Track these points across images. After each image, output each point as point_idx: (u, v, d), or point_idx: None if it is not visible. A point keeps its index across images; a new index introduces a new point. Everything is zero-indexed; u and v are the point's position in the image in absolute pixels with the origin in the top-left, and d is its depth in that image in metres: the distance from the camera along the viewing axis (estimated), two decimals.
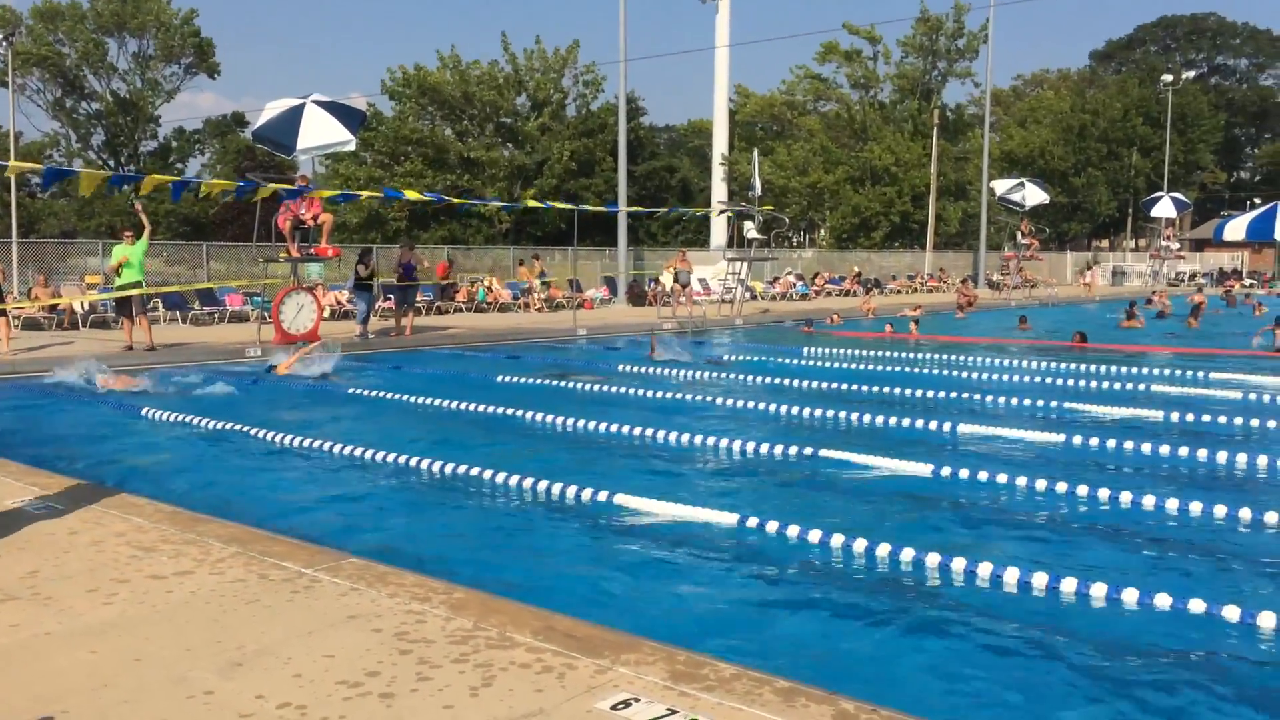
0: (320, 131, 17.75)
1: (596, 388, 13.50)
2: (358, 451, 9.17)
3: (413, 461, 8.75)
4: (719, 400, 12.37)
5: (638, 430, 10.28)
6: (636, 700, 3.58)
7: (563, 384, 13.90)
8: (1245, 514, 7.05)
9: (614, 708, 3.53)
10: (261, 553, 5.36)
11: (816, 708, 3.55)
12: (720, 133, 47.96)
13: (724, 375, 15.07)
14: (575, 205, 29.36)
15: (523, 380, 14.24)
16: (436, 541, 6.73)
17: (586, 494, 7.58)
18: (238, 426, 10.31)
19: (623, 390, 13.25)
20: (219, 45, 66.95)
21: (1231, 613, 5.14)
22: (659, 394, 12.92)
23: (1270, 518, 6.96)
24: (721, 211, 33.56)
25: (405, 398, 12.41)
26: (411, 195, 23.30)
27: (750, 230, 29.00)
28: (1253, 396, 12.82)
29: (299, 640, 4.13)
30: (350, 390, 13.42)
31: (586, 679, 3.76)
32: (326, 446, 9.38)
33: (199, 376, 14.10)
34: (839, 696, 3.66)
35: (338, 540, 6.14)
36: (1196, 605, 5.25)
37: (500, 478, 8.12)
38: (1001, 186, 39.40)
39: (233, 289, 24.47)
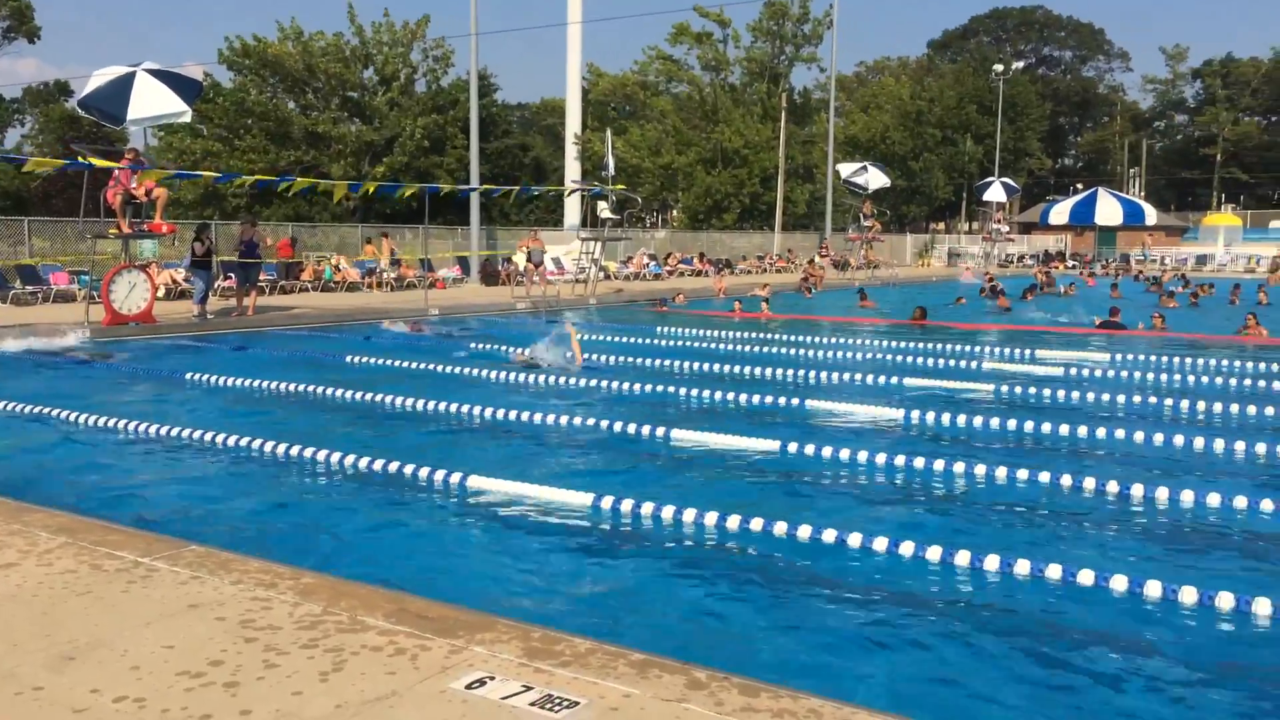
0: (152, 101, 16.88)
1: (447, 368, 13.32)
2: (197, 435, 8.82)
3: (256, 445, 8.48)
4: (572, 381, 12.39)
5: (489, 411, 10.21)
6: (491, 678, 3.58)
7: (412, 365, 13.67)
8: (1066, 480, 7.52)
9: (469, 686, 3.52)
10: (94, 542, 5.11)
11: (670, 678, 3.62)
12: (573, 112, 47.82)
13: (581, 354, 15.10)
14: (426, 184, 28.80)
15: (371, 361, 13.95)
16: (283, 527, 6.56)
17: (439, 475, 7.49)
18: (64, 412, 9.76)
19: (474, 371, 13.13)
20: (39, 7, 62.73)
21: (1054, 571, 5.48)
22: (512, 375, 12.85)
23: (1088, 483, 7.44)
24: (574, 191, 33.50)
25: (247, 380, 11.98)
26: (248, 178, 22.35)
27: (604, 210, 29.07)
28: (1073, 372, 13.62)
29: (136, 632, 3.96)
30: (189, 374, 12.86)
31: (440, 660, 3.74)
32: (165, 431, 8.99)
33: (20, 357, 13.27)
34: (692, 666, 3.74)
35: (177, 528, 5.90)
36: (1022, 566, 5.57)
37: (349, 460, 7.95)
38: (846, 170, 40.62)
39: (58, 267, 23.08)
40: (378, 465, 7.80)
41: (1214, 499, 7.02)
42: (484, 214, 34.99)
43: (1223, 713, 4.14)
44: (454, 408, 10.41)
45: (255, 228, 20.80)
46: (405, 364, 13.67)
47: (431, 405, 10.54)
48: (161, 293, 23.06)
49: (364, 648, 3.83)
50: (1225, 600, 5.08)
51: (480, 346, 15.79)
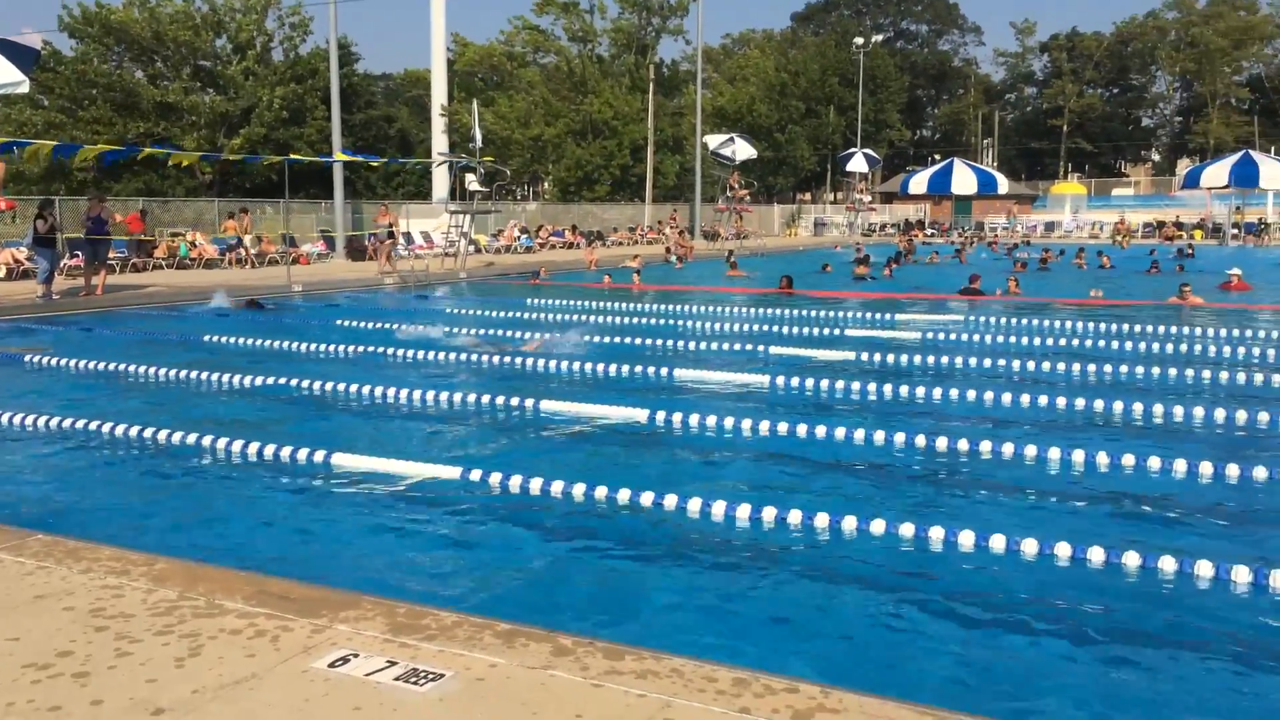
0: None
1: (311, 346, 13.02)
2: (41, 421, 8.42)
3: (105, 429, 8.15)
4: (442, 355, 12.26)
5: (355, 387, 10.04)
6: (355, 655, 3.56)
7: (275, 343, 13.30)
8: (920, 440, 7.84)
9: (332, 665, 3.49)
10: None
11: (536, 646, 3.66)
12: (439, 83, 46.96)
13: (448, 329, 14.94)
14: (286, 156, 27.89)
15: (230, 340, 13.51)
16: (137, 514, 6.33)
17: (303, 454, 7.34)
18: None
19: (340, 347, 12.86)
20: None
21: (906, 529, 5.72)
22: (379, 349, 12.64)
23: (941, 443, 7.76)
24: (441, 163, 32.96)
25: (95, 363, 11.47)
26: (93, 150, 21.20)
27: (472, 183, 28.69)
28: (930, 336, 14.14)
29: None
30: (30, 357, 12.23)
31: (303, 639, 3.69)
32: (5, 418, 8.54)
33: None
34: (558, 634, 3.79)
35: (20, 518, 5.65)
36: (877, 525, 5.80)
37: (206, 442, 7.72)
38: (714, 141, 41.05)
39: None
40: (236, 446, 7.59)
41: (1079, 455, 7.41)
42: (349, 187, 34.14)
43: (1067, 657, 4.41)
44: (317, 385, 10.19)
45: (103, 203, 19.84)
46: (264, 342, 13.30)
47: (294, 382, 10.29)
48: (1, 273, 21.85)
49: (222, 631, 3.75)
50: (1063, 549, 5.39)
51: (344, 323, 15.46)
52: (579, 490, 6.49)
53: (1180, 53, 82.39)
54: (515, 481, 6.69)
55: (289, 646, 3.63)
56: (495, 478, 6.76)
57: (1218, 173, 40.69)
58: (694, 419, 8.59)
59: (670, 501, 6.26)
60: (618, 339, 13.79)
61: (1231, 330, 13.94)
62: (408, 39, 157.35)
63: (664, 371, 11.02)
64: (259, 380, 10.47)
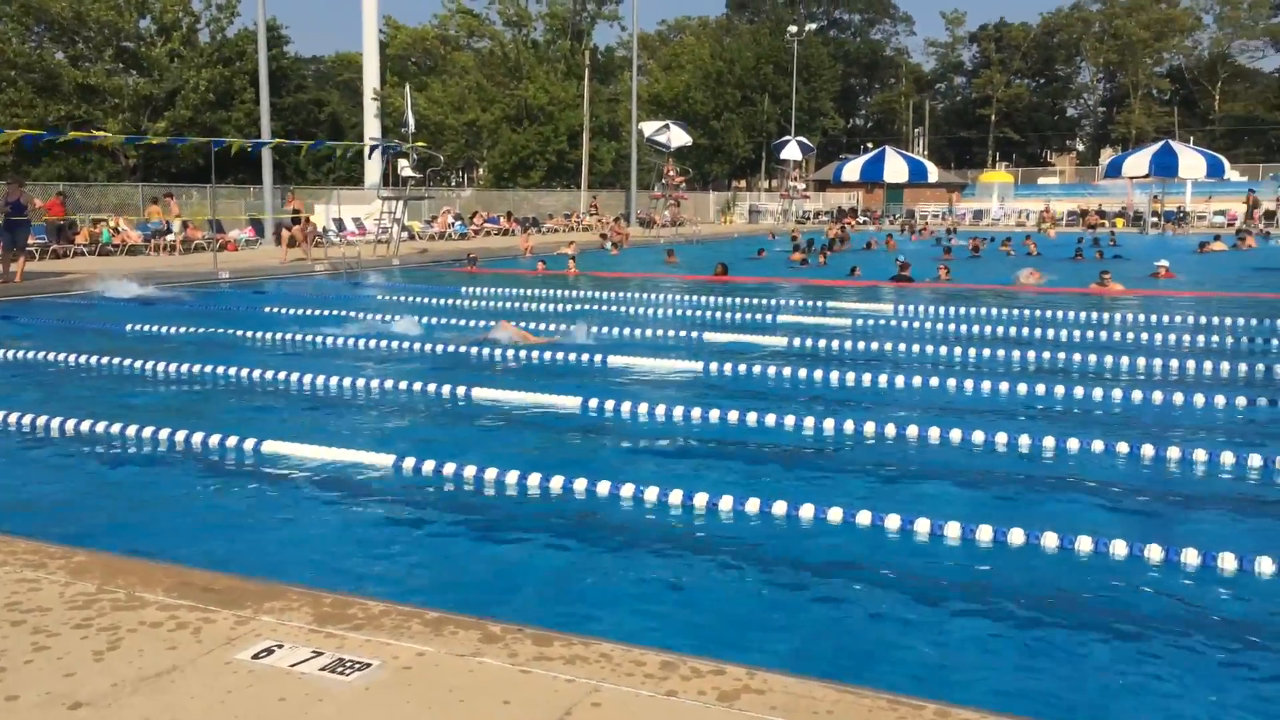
0: None
1: (242, 332, 12.79)
2: None
3: (23, 420, 7.93)
4: (373, 343, 12.12)
5: (283, 375, 9.90)
6: (280, 646, 3.53)
7: (202, 330, 13.05)
8: (849, 425, 7.95)
9: (255, 656, 3.45)
10: None
11: (464, 633, 3.66)
12: (371, 66, 46.24)
13: (383, 316, 14.79)
14: (213, 139, 27.26)
15: (154, 329, 13.22)
16: (55, 506, 6.19)
17: (231, 442, 7.23)
18: None
19: (268, 335, 12.65)
20: None
21: (835, 514, 5.81)
22: (311, 336, 12.46)
23: (869, 427, 7.89)
24: (374, 148, 32.50)
25: (13, 352, 11.15)
26: (10, 135, 20.49)
27: (405, 168, 28.36)
28: (860, 323, 14.33)
29: None
30: None
31: (226, 631, 3.65)
32: None
33: None
34: (487, 621, 3.79)
35: None
36: (806, 510, 5.88)
37: (131, 431, 7.56)
38: (649, 128, 41.05)
39: None
40: (162, 435, 7.45)
41: (1001, 437, 7.57)
42: (278, 172, 33.55)
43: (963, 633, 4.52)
44: (244, 373, 10.03)
45: (22, 188, 19.25)
46: (189, 329, 13.04)
47: (220, 370, 10.12)
48: None
49: (142, 624, 3.69)
50: (984, 532, 5.52)
51: (272, 310, 15.21)
52: (512, 478, 6.48)
53: (1104, 44, 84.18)
54: (448, 469, 6.66)
55: (211, 638, 3.59)
56: (427, 465, 6.72)
57: (1139, 162, 41.71)
58: (627, 406, 8.62)
59: (603, 488, 6.28)
60: (553, 326, 13.76)
61: (1150, 316, 14.34)
62: (339, 21, 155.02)
63: (599, 358, 11.03)
64: (183, 368, 10.27)
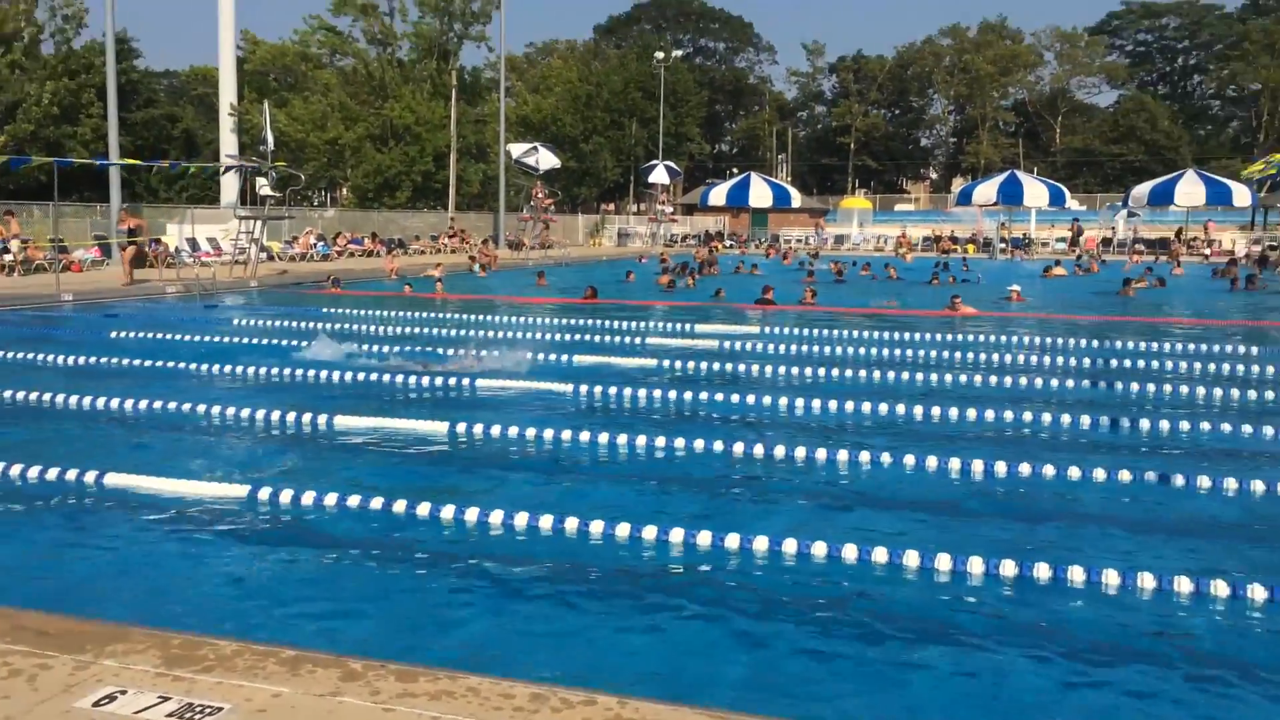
0: None
1: (83, 358, 12.13)
2: None
3: None
4: (228, 369, 11.66)
5: (129, 403, 9.41)
6: (123, 692, 3.31)
7: (39, 355, 12.33)
8: (718, 445, 8.02)
9: (97, 704, 3.23)
10: None
11: (323, 672, 3.51)
12: (227, 81, 44.77)
13: (236, 339, 14.23)
14: (57, 158, 25.91)
15: None
16: None
17: (71, 475, 6.82)
18: None
19: (114, 360, 12.03)
20: None
21: (704, 538, 5.83)
22: (160, 361, 11.90)
23: (738, 448, 7.97)
24: (229, 168, 31.43)
25: None
26: None
27: (264, 187, 27.50)
28: (728, 345, 14.51)
29: None
30: None
31: (64, 678, 3.41)
32: None
33: None
34: (347, 658, 3.64)
35: None
36: (675, 534, 5.88)
37: None
38: (517, 150, 40.89)
39: None
40: None
41: (864, 456, 7.74)
42: (128, 190, 32.10)
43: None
44: (86, 401, 9.50)
45: None
46: (27, 354, 12.31)
47: (60, 399, 9.56)
48: None
49: None
50: (849, 551, 5.62)
51: (120, 334, 14.49)
52: (376, 505, 6.29)
53: (954, 78, 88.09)
54: (307, 499, 6.43)
55: (48, 686, 3.35)
56: (285, 496, 6.47)
57: (987, 191, 43.69)
58: (497, 429, 8.50)
59: (471, 515, 6.15)
60: (419, 349, 13.50)
61: (999, 337, 14.96)
62: (194, 35, 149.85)
63: (465, 382, 10.86)
64: (19, 395, 9.67)
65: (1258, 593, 5.04)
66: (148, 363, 11.92)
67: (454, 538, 5.97)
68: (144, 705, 3.24)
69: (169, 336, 14.30)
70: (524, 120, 61.02)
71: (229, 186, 38.85)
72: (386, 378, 11.05)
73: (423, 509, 6.21)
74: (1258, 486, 6.98)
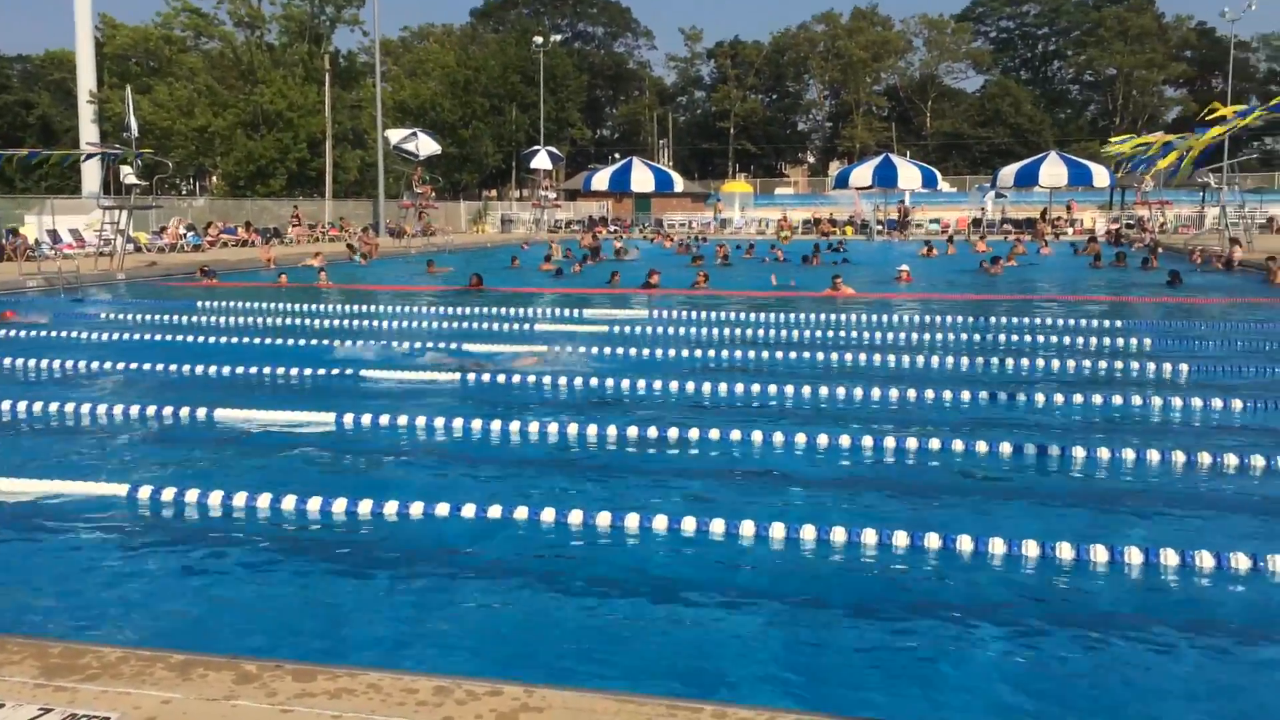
0: None
1: None
2: None
3: None
4: (98, 364, 11.14)
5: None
6: (1, 705, 3.14)
7: None
8: (611, 430, 8.02)
9: None
10: None
11: (216, 675, 3.39)
12: (85, 66, 42.73)
13: (103, 334, 13.61)
14: None
15: None
16: None
17: None
18: None
19: None
20: None
21: (603, 518, 5.83)
22: (22, 360, 11.30)
23: (632, 431, 7.99)
24: (90, 155, 30.04)
25: None
26: None
27: (128, 175, 26.35)
28: (618, 330, 14.52)
29: None
30: None
31: None
32: None
33: None
34: (241, 660, 3.52)
35: None
36: (575, 516, 5.87)
37: None
38: (396, 136, 40.08)
39: None
40: None
41: (757, 436, 7.83)
42: None
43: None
44: None
45: None
46: None
47: None
48: None
49: None
50: (747, 528, 5.69)
51: None
52: (263, 502, 6.11)
53: (828, 63, 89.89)
54: (190, 496, 6.20)
55: None
56: (167, 494, 6.23)
57: (863, 174, 44.72)
58: (384, 420, 8.33)
59: (365, 508, 6.02)
60: (302, 341, 13.15)
61: (880, 317, 15.34)
62: (48, 17, 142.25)
63: (349, 372, 10.61)
64: None
65: (1132, 555, 5.29)
66: (8, 360, 11.31)
67: (346, 531, 5.83)
68: (24, 718, 3.07)
69: (32, 334, 13.59)
70: (402, 106, 59.89)
71: (91, 176, 37.18)
72: (268, 369, 10.71)
73: (313, 504, 6.05)
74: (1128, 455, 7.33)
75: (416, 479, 7.02)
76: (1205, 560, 5.19)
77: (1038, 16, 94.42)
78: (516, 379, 10.27)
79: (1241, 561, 5.16)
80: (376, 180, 45.45)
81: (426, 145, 38.95)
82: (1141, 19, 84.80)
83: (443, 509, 5.94)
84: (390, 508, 5.99)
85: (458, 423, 8.26)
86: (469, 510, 5.92)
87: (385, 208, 44.84)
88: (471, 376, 10.41)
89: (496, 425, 8.18)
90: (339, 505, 6.04)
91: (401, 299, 19.01)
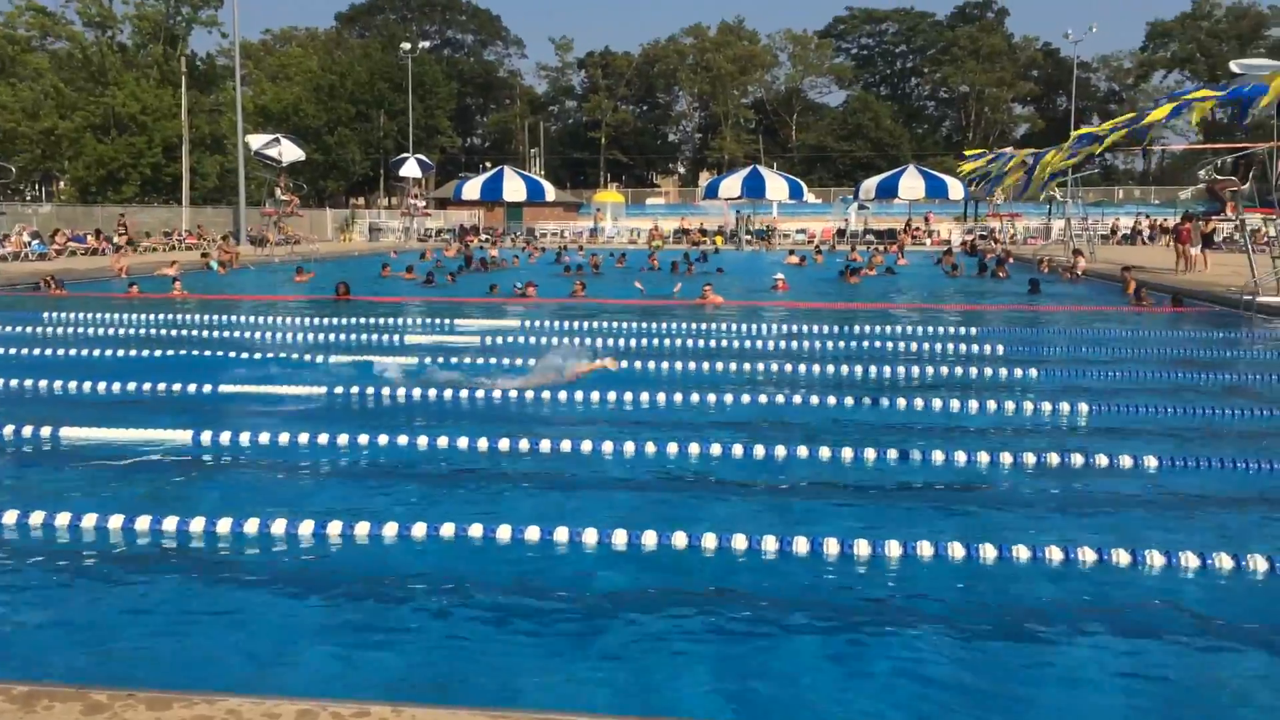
0: None
1: None
2: None
3: None
4: None
5: None
6: None
7: None
8: (483, 443, 7.94)
9: None
10: None
11: (63, 706, 3.21)
12: None
13: None
14: None
15: None
16: None
17: None
18: None
19: None
20: None
21: (475, 529, 5.76)
22: None
23: (503, 443, 7.92)
24: None
25: None
26: None
27: None
28: (488, 340, 14.38)
29: None
30: None
31: None
32: None
33: None
34: (90, 689, 3.35)
35: None
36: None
37: None
38: (257, 141, 38.86)
39: None
40: None
41: (628, 446, 7.84)
42: None
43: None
44: None
45: None
46: None
47: None
48: None
49: None
50: (589, 536, 5.71)
51: None
52: (115, 524, 5.82)
53: (697, 75, 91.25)
54: (35, 519, 5.87)
55: None
56: (8, 517, 5.88)
57: (732, 185, 45.55)
58: (245, 436, 8.05)
59: (224, 526, 5.81)
60: (158, 353, 12.61)
61: (750, 325, 15.62)
62: None
63: (208, 388, 10.22)
64: None
65: (988, 552, 5.51)
66: None
67: (211, 550, 5.61)
68: None
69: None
70: (263, 110, 58.18)
71: None
72: (118, 385, 10.22)
73: (169, 523, 5.80)
74: (969, 456, 7.63)
75: (281, 495, 6.81)
76: (1054, 554, 5.45)
77: (895, 35, 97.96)
78: (386, 391, 10.07)
79: (1088, 554, 5.44)
80: (237, 187, 44.00)
81: (290, 151, 37.87)
82: (992, 39, 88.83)
83: (306, 527, 5.77)
84: (251, 525, 5.79)
85: (323, 437, 8.04)
86: (335, 527, 5.77)
87: (246, 215, 43.44)
88: (339, 389, 10.15)
89: (364, 439, 7.99)
90: (196, 524, 5.80)
91: (263, 309, 18.43)
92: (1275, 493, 6.98)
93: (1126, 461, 7.36)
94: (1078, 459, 7.46)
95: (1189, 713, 4.13)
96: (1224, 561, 5.35)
